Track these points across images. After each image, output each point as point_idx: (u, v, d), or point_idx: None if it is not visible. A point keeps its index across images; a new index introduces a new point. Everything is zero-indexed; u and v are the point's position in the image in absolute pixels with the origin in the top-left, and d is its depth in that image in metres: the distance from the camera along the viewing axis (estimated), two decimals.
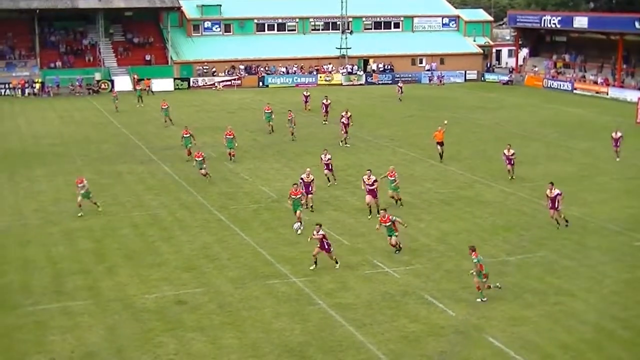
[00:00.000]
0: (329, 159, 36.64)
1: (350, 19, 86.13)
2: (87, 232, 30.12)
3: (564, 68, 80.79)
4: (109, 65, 78.46)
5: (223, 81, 79.02)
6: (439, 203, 34.20)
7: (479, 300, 22.75)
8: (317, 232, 25.37)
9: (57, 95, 73.01)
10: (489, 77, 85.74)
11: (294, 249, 27.56)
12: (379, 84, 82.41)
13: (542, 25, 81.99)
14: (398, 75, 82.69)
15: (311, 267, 25.45)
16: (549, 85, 78.61)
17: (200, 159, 37.74)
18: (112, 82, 75.47)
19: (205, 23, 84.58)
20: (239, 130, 49.14)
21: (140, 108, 63.42)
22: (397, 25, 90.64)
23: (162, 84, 76.32)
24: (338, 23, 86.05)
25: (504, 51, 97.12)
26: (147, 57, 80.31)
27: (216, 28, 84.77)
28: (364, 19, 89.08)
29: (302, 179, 32.35)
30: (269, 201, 34.53)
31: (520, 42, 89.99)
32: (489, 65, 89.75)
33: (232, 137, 42.61)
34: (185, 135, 43.26)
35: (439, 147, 41.83)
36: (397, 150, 46.22)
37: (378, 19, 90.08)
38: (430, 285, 24.31)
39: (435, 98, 70.35)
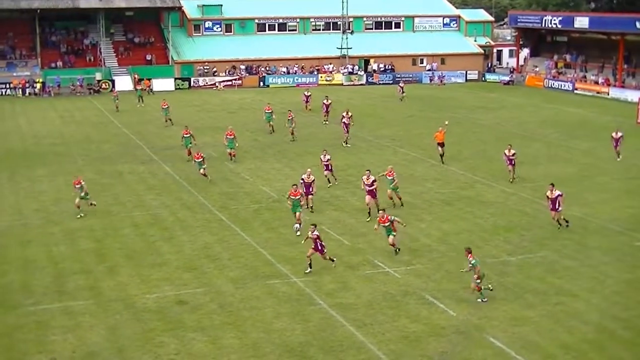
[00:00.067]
0: (328, 159, 36.56)
1: (351, 19, 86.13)
2: (88, 232, 30.12)
3: (564, 68, 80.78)
4: (110, 65, 78.49)
5: (224, 81, 79.04)
6: (440, 203, 34.18)
7: (479, 300, 22.73)
8: (312, 232, 25.35)
9: (58, 95, 73.04)
10: (490, 77, 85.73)
11: (295, 249, 27.53)
12: (379, 84, 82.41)
13: (543, 25, 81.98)
14: (399, 76, 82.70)
15: (306, 271, 25.34)
16: (549, 86, 78.59)
17: (199, 159, 37.66)
18: (112, 82, 75.49)
19: (206, 23, 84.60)
20: (240, 130, 49.14)
21: (141, 108, 63.44)
22: (397, 25, 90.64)
23: (163, 84, 76.37)
24: (339, 23, 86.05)
25: (505, 51, 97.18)
26: (148, 57, 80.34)
27: (217, 28, 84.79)
28: (364, 19, 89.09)
29: (302, 179, 32.31)
30: (269, 201, 34.52)
31: (521, 42, 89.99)
32: (489, 65, 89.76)
33: (232, 137, 42.60)
34: (185, 135, 43.27)
35: (439, 148, 41.77)
36: (397, 150, 46.21)
37: (379, 19, 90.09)
38: (431, 286, 24.30)
39: (436, 98, 70.35)
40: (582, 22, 76.70)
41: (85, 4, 77.45)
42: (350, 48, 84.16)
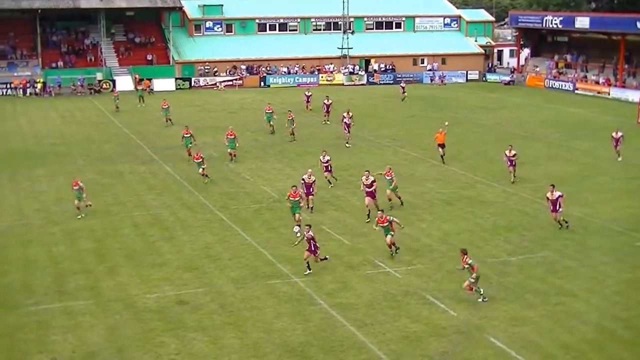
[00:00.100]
0: (327, 160, 36.38)
1: (351, 19, 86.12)
2: (89, 232, 30.13)
3: (565, 68, 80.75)
4: (111, 65, 78.52)
5: (224, 81, 79.05)
6: (441, 203, 34.18)
7: (480, 300, 22.73)
8: (307, 232, 25.32)
9: (59, 95, 73.05)
10: (491, 77, 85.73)
11: (296, 249, 27.50)
12: (380, 84, 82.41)
13: (544, 25, 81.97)
14: (399, 76, 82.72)
15: (305, 273, 25.31)
16: (550, 86, 78.58)
17: (199, 160, 37.58)
18: (113, 82, 75.51)
19: (207, 23, 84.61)
20: (241, 130, 49.14)
21: (142, 108, 63.44)
22: (398, 25, 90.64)
23: (164, 84, 76.39)
24: (339, 23, 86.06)
25: (506, 51, 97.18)
26: (149, 57, 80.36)
27: (218, 28, 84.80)
28: (365, 19, 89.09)
29: (303, 179, 32.27)
30: (270, 201, 34.52)
31: (521, 42, 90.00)
32: (490, 65, 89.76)
33: (233, 137, 42.58)
34: (185, 135, 43.28)
35: (440, 149, 41.71)
36: (398, 150, 46.21)
37: (379, 19, 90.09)
38: (432, 286, 24.29)
39: (436, 98, 70.34)
40: (582, 22, 76.68)
41: (86, 4, 77.47)
42: (351, 48, 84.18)
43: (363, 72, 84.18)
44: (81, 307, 22.83)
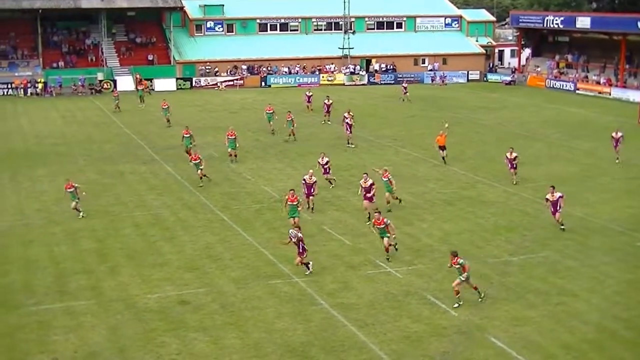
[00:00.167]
0: (327, 161, 36.11)
1: (352, 19, 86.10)
2: (90, 232, 30.14)
3: (566, 68, 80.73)
4: (112, 65, 78.53)
5: (225, 81, 79.06)
6: (442, 203, 34.18)
7: (456, 305, 22.42)
8: (297, 233, 25.22)
9: (60, 95, 73.07)
10: (492, 77, 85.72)
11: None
12: (381, 84, 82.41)
13: (545, 25, 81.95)
14: (400, 76, 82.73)
15: (306, 273, 25.28)
16: (551, 86, 78.57)
17: (197, 161, 37.49)
18: (114, 82, 75.53)
19: (208, 23, 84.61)
20: (241, 130, 49.15)
21: (143, 108, 63.44)
22: (399, 26, 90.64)
23: (165, 84, 76.43)
24: (340, 23, 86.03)
25: (507, 51, 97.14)
26: (150, 57, 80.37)
27: (219, 28, 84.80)
28: (366, 19, 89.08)
29: (304, 179, 32.26)
30: (271, 201, 34.52)
31: (522, 42, 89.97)
32: (491, 65, 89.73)
33: (234, 137, 42.55)
34: (185, 135, 43.31)
35: (441, 151, 41.64)
36: (399, 150, 46.21)
37: (380, 19, 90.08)
38: (433, 286, 24.29)
39: (437, 98, 70.34)
40: (583, 22, 76.66)
41: (87, 4, 77.49)
42: (352, 48, 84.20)
43: (364, 72, 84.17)
44: (82, 307, 22.84)
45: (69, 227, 30.74)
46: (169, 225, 31.18)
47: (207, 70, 79.90)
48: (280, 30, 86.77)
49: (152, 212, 32.98)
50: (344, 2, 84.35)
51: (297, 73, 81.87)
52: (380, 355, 19.72)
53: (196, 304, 22.97)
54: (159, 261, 26.80)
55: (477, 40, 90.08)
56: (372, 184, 30.93)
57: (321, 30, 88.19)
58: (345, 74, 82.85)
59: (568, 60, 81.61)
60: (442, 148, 41.49)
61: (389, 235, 26.45)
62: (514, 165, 37.00)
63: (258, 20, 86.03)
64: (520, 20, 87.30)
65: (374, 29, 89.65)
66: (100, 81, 75.77)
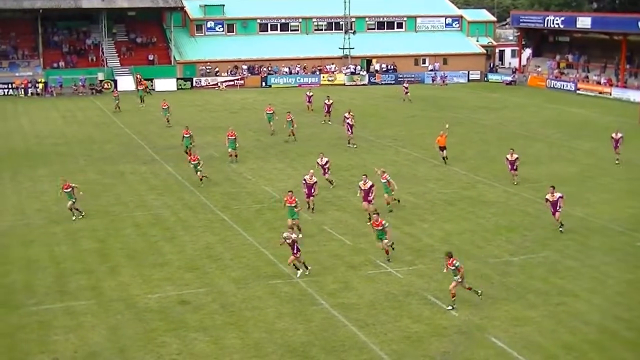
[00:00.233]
0: (326, 162, 35.99)
1: (353, 19, 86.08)
2: (90, 232, 30.14)
3: (567, 68, 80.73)
4: (112, 65, 78.53)
5: (226, 81, 79.05)
6: (442, 203, 34.17)
7: (449, 308, 22.34)
8: (290, 235, 24.90)
9: (60, 95, 73.08)
10: (492, 77, 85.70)
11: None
12: (381, 84, 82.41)
13: (545, 25, 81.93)
14: (401, 76, 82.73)
15: (306, 273, 25.18)
16: (552, 86, 78.55)
17: (195, 162, 37.43)
18: (115, 82, 75.52)
19: (208, 23, 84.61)
20: (242, 130, 49.15)
21: (143, 108, 63.43)
22: (400, 26, 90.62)
23: (165, 84, 76.42)
24: (341, 23, 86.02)
25: (507, 51, 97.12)
26: (150, 57, 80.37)
27: (219, 28, 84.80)
28: (367, 19, 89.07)
29: (305, 180, 32.24)
30: (271, 201, 34.51)
31: (523, 43, 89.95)
32: (492, 65, 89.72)
33: (234, 138, 42.52)
34: (185, 136, 43.31)
35: (441, 152, 41.60)
36: (400, 150, 46.19)
37: (381, 19, 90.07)
38: (433, 286, 24.28)
39: (438, 98, 70.33)
40: (584, 22, 76.65)
41: (88, 4, 77.52)
42: (353, 48, 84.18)
43: (364, 72, 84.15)
44: (83, 307, 22.84)
45: (69, 227, 30.73)
46: (169, 225, 31.18)
47: (208, 71, 79.90)
48: (280, 31, 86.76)
49: (153, 212, 32.97)
50: (345, 2, 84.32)
51: (297, 73, 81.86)
52: (380, 355, 19.71)
53: (196, 304, 22.97)
54: (160, 261, 26.80)
55: (477, 41, 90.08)
56: (371, 186, 30.78)
57: (322, 30, 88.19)
58: (345, 74, 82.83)
59: (569, 61, 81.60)
60: (442, 149, 41.46)
61: (387, 238, 26.39)
62: (514, 167, 36.90)
63: (258, 20, 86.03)
64: (521, 20, 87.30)
65: (374, 29, 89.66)
66: (101, 81, 75.76)
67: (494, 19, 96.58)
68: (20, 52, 77.88)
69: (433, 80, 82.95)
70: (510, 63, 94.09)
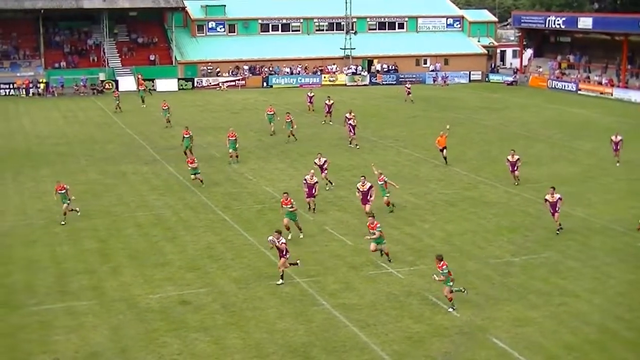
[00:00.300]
0: (324, 162, 35.89)
1: (354, 20, 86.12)
2: (92, 232, 30.15)
3: (568, 69, 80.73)
4: (113, 66, 78.58)
5: (227, 81, 79.08)
6: (444, 204, 34.16)
7: (450, 309, 22.31)
8: (278, 239, 24.29)
9: (62, 95, 73.13)
10: (493, 77, 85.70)
11: (298, 249, 27.49)
12: (383, 84, 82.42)
13: (547, 25, 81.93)
14: (402, 76, 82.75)
15: (278, 283, 24.40)
16: (553, 86, 78.53)
17: (193, 164, 37.30)
18: (116, 82, 75.56)
19: (210, 23, 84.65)
20: (243, 130, 49.16)
21: (144, 108, 63.45)
22: (401, 26, 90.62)
23: (167, 84, 76.48)
24: (342, 23, 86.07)
25: (509, 52, 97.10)
26: (152, 57, 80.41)
27: (220, 28, 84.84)
28: (368, 20, 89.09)
29: (305, 180, 32.22)
30: (272, 201, 34.49)
31: (524, 43, 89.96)
32: (493, 65, 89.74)
33: (234, 138, 42.48)
34: (185, 136, 43.31)
35: (441, 152, 41.52)
36: (401, 150, 46.18)
37: (382, 20, 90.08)
38: (434, 286, 24.20)
39: (439, 98, 70.33)
40: (585, 22, 76.63)
41: (89, 4, 77.59)
42: (354, 48, 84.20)
43: (366, 73, 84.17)
44: (84, 307, 22.84)
45: (71, 227, 30.75)
46: (170, 225, 31.19)
47: (209, 71, 79.92)
48: (282, 31, 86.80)
49: (154, 212, 32.98)
50: (346, 2, 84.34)
51: (298, 73, 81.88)
52: (381, 355, 19.71)
53: (197, 304, 22.97)
54: (161, 261, 26.81)
55: (479, 41, 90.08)
56: (370, 187, 30.73)
57: (323, 30, 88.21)
58: (347, 74, 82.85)
59: (570, 61, 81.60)
60: (443, 149, 41.40)
61: (385, 241, 26.33)
62: (516, 168, 36.80)
63: (260, 21, 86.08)
64: (522, 20, 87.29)
65: (375, 29, 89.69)
66: (102, 81, 75.82)
67: (495, 19, 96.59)
68: (22, 52, 77.95)
69: (434, 81, 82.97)
70: (511, 63, 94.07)
